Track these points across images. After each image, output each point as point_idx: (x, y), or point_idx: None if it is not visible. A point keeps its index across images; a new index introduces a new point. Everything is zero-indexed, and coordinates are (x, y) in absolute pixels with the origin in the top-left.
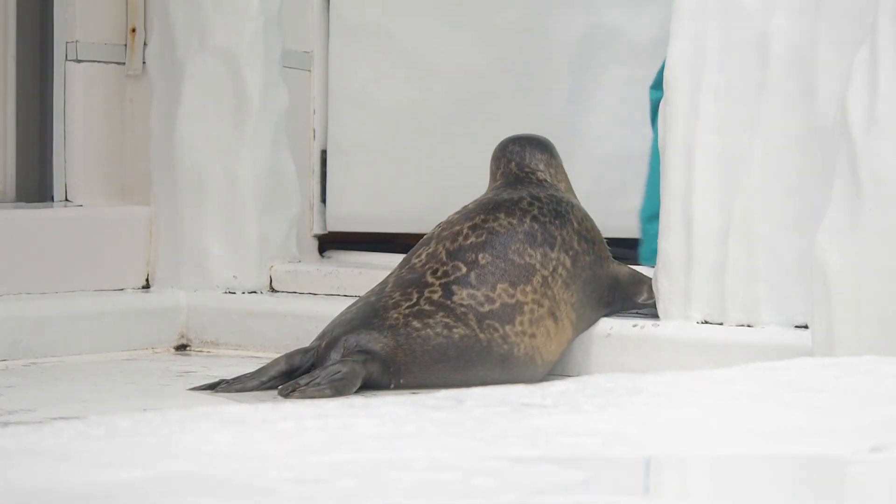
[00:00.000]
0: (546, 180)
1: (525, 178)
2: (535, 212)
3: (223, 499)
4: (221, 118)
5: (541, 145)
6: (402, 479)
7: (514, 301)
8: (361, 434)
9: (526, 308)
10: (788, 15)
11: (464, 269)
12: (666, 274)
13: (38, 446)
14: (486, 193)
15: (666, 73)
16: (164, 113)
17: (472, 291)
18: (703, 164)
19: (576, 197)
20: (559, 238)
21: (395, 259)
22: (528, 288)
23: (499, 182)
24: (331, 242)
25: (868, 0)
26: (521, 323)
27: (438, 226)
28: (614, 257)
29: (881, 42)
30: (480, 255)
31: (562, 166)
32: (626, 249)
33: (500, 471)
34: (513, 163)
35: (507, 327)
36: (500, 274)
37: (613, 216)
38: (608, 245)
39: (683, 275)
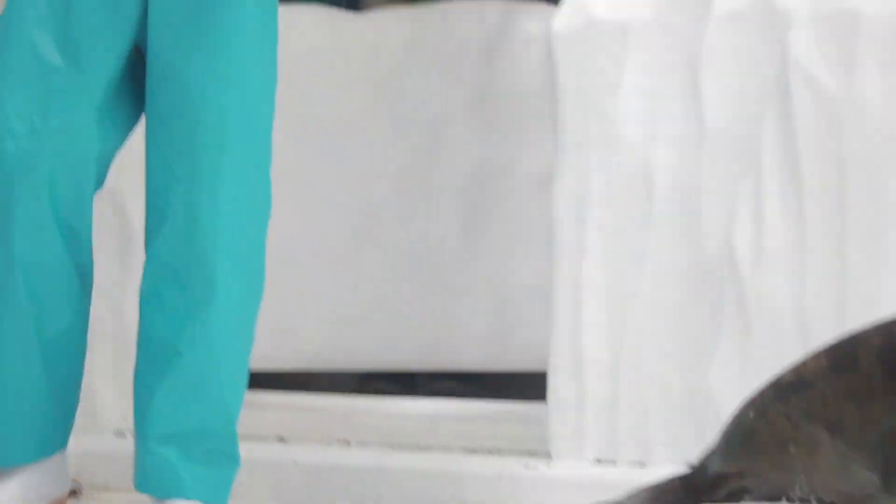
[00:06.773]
0: None
1: None
2: None
3: None
4: (107, 257)
5: None
6: None
7: None
8: None
9: None
10: (670, 147)
11: None
12: (557, 412)
13: None
14: None
15: (553, 210)
16: None
17: None
18: (590, 300)
19: None
20: None
21: (287, 397)
22: None
23: None
24: None
25: (751, 132)
26: None
27: None
28: (513, 394)
29: (765, 174)
30: None
31: None
32: (526, 388)
33: None
34: None
35: None
36: None
37: (512, 350)
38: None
39: (575, 413)
